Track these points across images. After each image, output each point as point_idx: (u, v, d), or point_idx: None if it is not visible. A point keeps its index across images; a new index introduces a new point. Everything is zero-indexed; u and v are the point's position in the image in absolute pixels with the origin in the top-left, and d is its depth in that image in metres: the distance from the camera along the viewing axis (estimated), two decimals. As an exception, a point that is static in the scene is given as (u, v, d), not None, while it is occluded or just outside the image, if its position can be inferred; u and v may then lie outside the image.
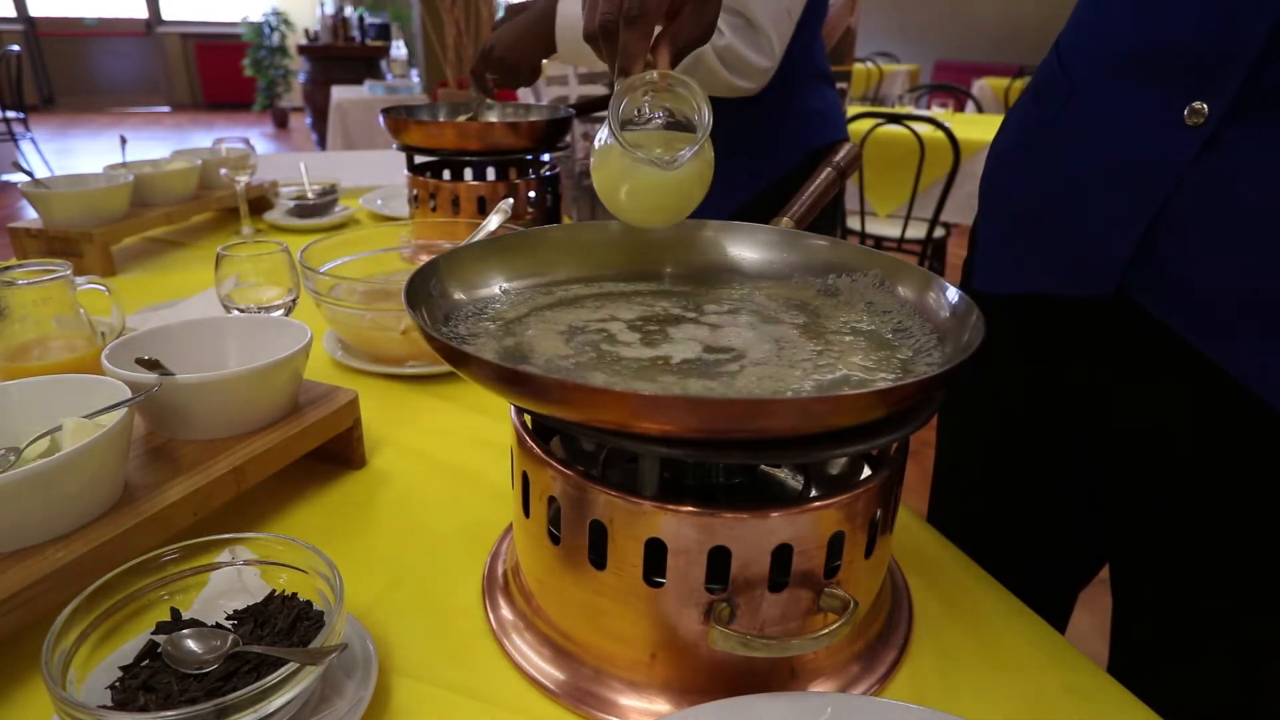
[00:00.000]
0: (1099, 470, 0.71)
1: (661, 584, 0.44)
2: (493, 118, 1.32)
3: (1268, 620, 0.60)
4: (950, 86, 4.78)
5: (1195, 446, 0.60)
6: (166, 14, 9.09)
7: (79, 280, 0.75)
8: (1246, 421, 0.56)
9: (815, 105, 1.15)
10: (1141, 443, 0.64)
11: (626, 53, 0.53)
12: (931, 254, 2.98)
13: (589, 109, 1.43)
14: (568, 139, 1.27)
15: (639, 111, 0.56)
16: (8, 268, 0.71)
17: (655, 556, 0.43)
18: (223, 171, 1.40)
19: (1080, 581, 0.83)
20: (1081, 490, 0.75)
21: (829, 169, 0.65)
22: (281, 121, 8.34)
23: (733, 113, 1.05)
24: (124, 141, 1.48)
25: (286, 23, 8.18)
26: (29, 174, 1.20)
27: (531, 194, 1.20)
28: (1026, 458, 0.77)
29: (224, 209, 1.45)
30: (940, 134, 2.71)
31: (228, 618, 0.45)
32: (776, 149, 1.15)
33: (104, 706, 0.39)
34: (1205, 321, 0.55)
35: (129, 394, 0.55)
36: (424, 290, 0.52)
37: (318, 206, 1.50)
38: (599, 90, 1.26)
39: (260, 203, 1.51)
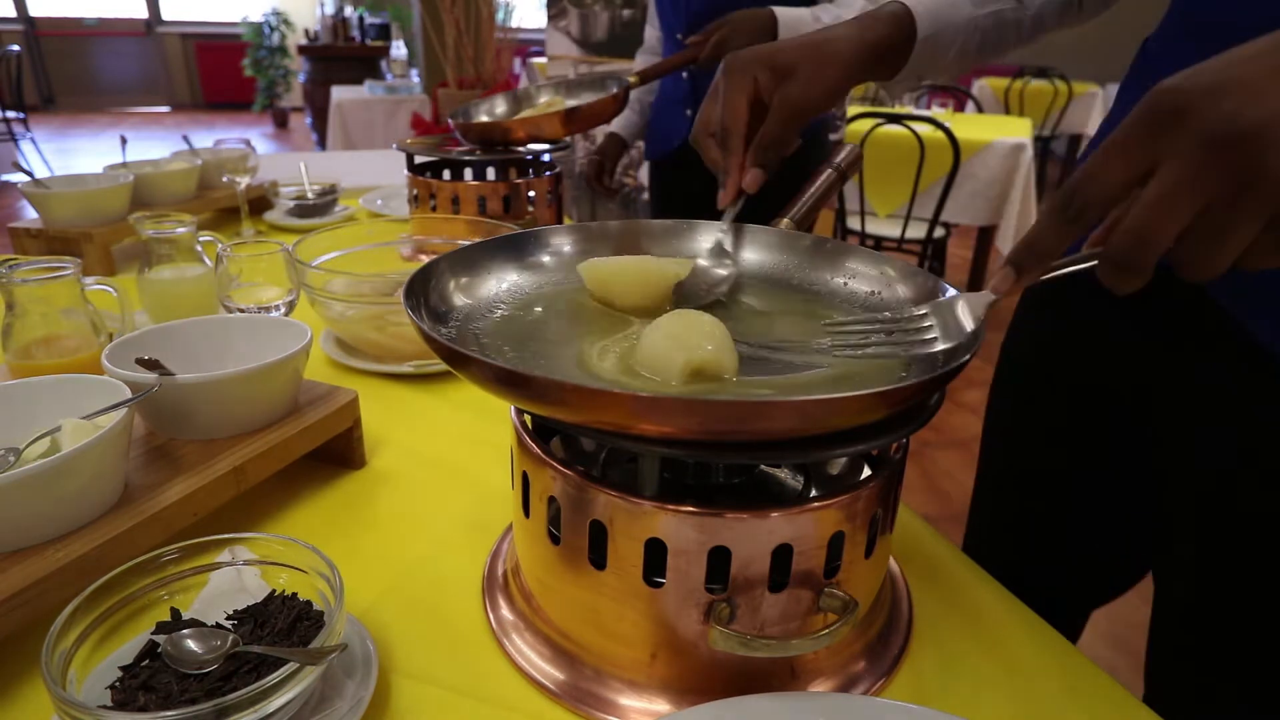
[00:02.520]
0: (1144, 472, 0.70)
1: (661, 584, 0.44)
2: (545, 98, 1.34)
3: None
4: (950, 86, 4.78)
5: (1238, 428, 0.60)
6: (166, 14, 9.08)
7: (86, 280, 0.75)
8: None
9: None
10: (1189, 430, 0.64)
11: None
12: (931, 254, 2.98)
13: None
14: (568, 139, 1.27)
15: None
16: (16, 264, 0.71)
17: (655, 556, 0.43)
18: (225, 178, 1.41)
19: (1099, 599, 0.83)
20: (1125, 505, 0.74)
21: (829, 170, 0.65)
22: (281, 121, 8.34)
23: None
24: (124, 141, 1.48)
25: (286, 23, 8.18)
26: (29, 174, 1.19)
27: (531, 194, 1.20)
28: (1072, 459, 0.76)
29: (224, 209, 1.45)
30: (940, 134, 2.71)
31: (228, 618, 0.45)
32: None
33: (104, 706, 0.39)
34: (1240, 290, 0.55)
35: (129, 394, 0.55)
36: (423, 290, 0.52)
37: (318, 206, 1.50)
38: (598, 95, 1.28)
39: (260, 203, 1.51)
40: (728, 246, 0.62)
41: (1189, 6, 0.62)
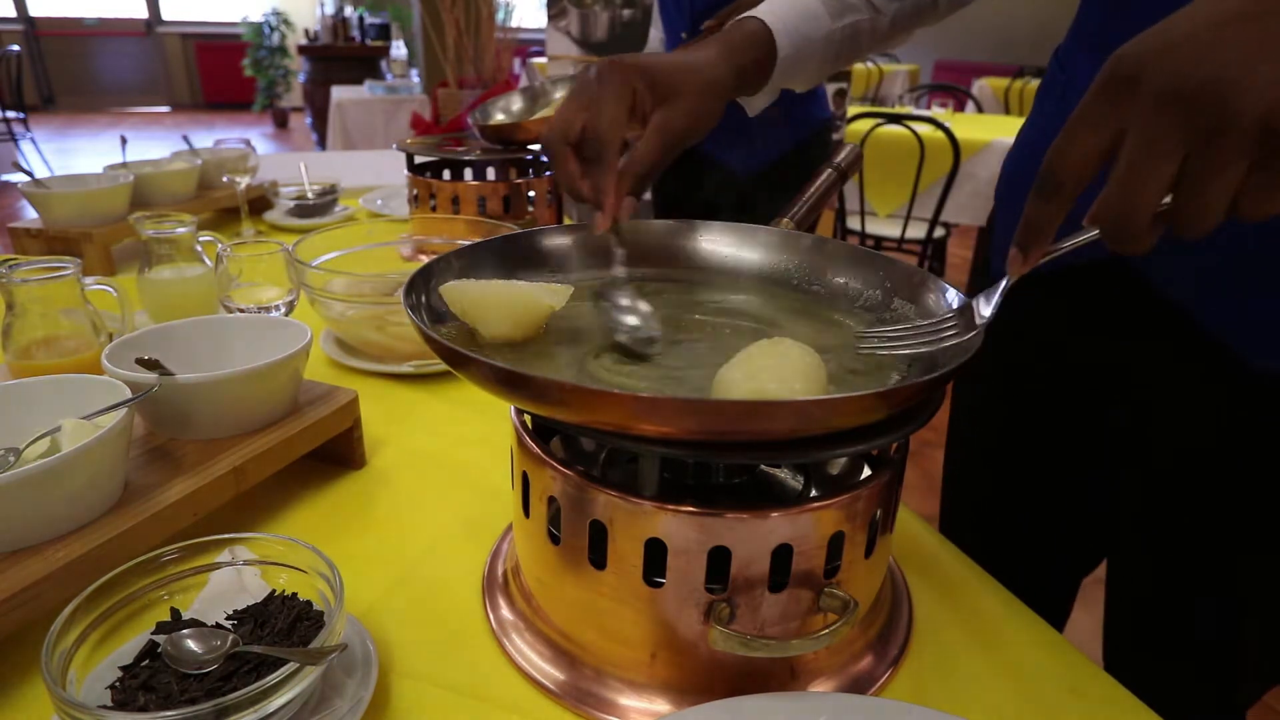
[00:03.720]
0: (1106, 454, 0.72)
1: (661, 584, 0.44)
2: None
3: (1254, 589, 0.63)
4: (950, 86, 4.78)
5: (1185, 412, 0.62)
6: (166, 14, 9.09)
7: (86, 280, 0.75)
8: (1227, 383, 0.58)
9: (818, 88, 1.56)
10: (1141, 412, 0.66)
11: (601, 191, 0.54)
12: (931, 254, 2.98)
13: None
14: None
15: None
16: (16, 264, 0.71)
17: (655, 556, 0.43)
18: (225, 178, 1.41)
19: (1081, 571, 0.84)
20: (1089, 479, 0.76)
21: (829, 170, 0.65)
22: (281, 121, 8.34)
23: None
24: (124, 141, 1.48)
25: (286, 23, 8.18)
26: (29, 174, 1.20)
27: (531, 194, 1.20)
28: (1038, 447, 0.78)
29: (224, 209, 1.45)
30: (940, 134, 2.71)
31: (228, 618, 0.45)
32: (798, 117, 1.51)
33: (104, 706, 0.39)
34: (1183, 276, 0.58)
35: (129, 394, 0.55)
36: (423, 290, 0.52)
37: (318, 206, 1.50)
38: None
39: (260, 203, 1.51)
40: (628, 297, 0.54)
41: (1091, 24, 0.63)
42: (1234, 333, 0.57)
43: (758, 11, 0.66)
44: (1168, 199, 0.36)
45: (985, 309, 0.46)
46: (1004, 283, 0.45)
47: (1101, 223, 0.37)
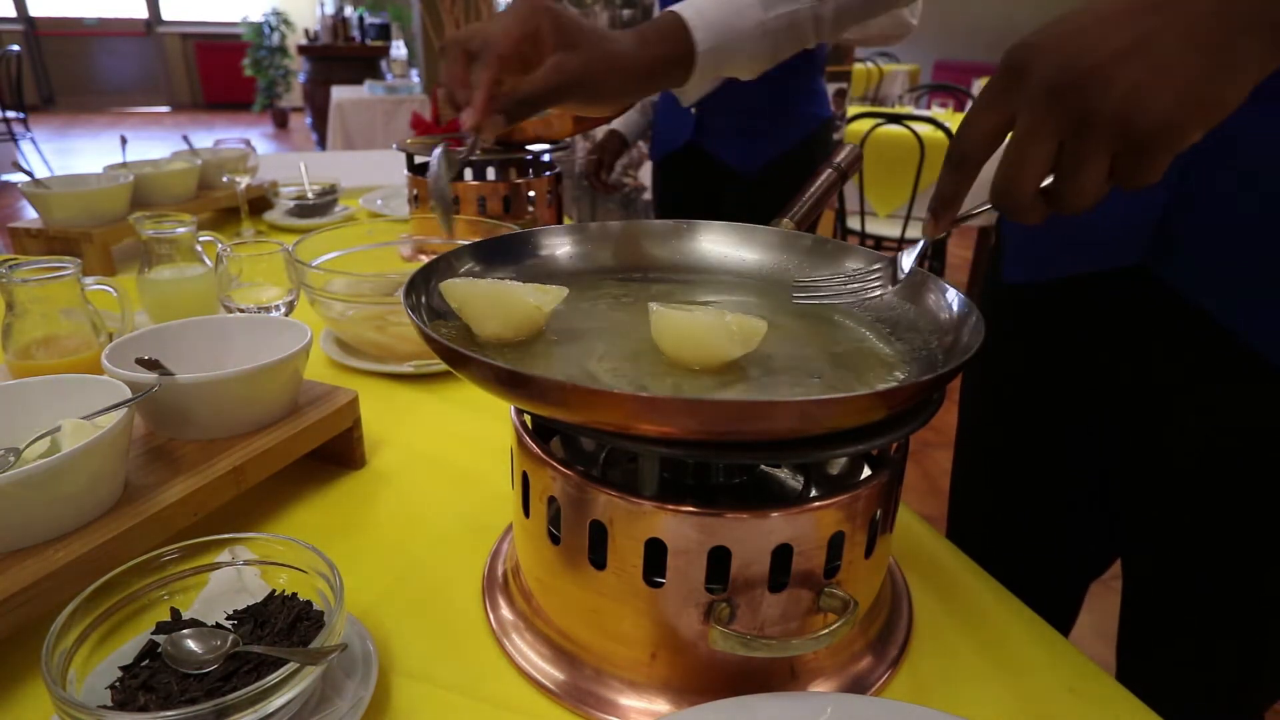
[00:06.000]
0: (1118, 459, 0.72)
1: (661, 584, 0.44)
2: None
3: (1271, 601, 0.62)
4: (950, 86, 4.78)
5: (1211, 420, 0.61)
6: (166, 14, 9.09)
7: (86, 280, 0.75)
8: (1258, 390, 0.57)
9: (819, 86, 1.65)
10: (1162, 420, 0.65)
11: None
12: (931, 254, 2.98)
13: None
14: (568, 139, 1.27)
15: None
16: (16, 264, 0.71)
17: (655, 556, 0.43)
18: (225, 178, 1.41)
19: (1090, 574, 0.84)
20: (1098, 483, 0.75)
21: (830, 170, 0.65)
22: (281, 121, 8.34)
23: (770, 88, 1.32)
24: (124, 141, 1.48)
25: (286, 23, 8.18)
26: (29, 174, 1.19)
27: (531, 194, 1.20)
28: (1047, 448, 0.78)
29: (224, 209, 1.45)
30: (940, 134, 2.71)
31: (228, 618, 0.45)
32: (799, 116, 1.59)
33: (104, 706, 0.39)
34: (1214, 286, 0.58)
35: (129, 394, 0.55)
36: (423, 290, 0.52)
37: (318, 207, 1.50)
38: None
39: (260, 203, 1.51)
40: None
41: None
42: (1262, 339, 0.56)
43: (678, 6, 0.66)
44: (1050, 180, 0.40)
45: (906, 264, 0.51)
46: (921, 243, 0.50)
47: (993, 196, 0.41)
